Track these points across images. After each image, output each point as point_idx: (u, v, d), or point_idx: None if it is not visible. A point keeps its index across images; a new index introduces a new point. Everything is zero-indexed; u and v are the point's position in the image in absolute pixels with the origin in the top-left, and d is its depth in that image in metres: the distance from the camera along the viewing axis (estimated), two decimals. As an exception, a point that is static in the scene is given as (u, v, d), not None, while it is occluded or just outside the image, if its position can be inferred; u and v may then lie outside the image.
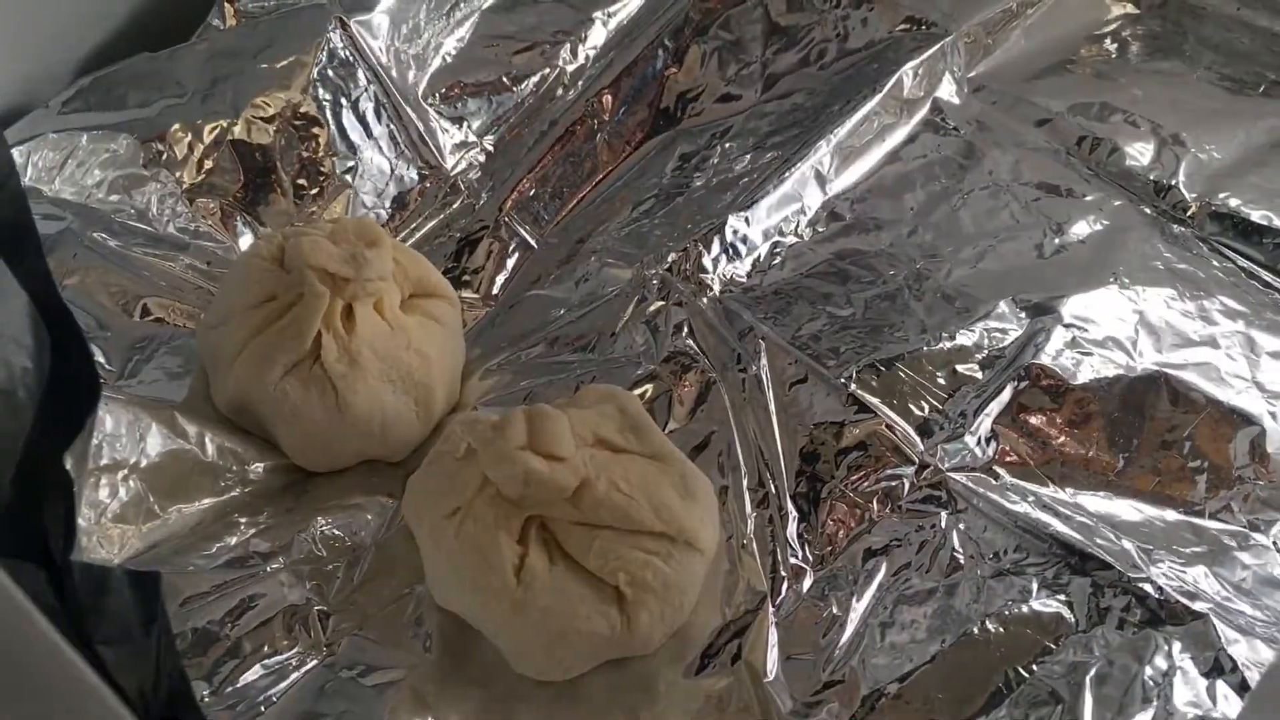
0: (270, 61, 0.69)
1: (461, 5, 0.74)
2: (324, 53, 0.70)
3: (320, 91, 0.69)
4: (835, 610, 0.52)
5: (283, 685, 0.49)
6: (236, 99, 0.68)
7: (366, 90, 0.70)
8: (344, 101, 0.70)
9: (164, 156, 0.66)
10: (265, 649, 0.49)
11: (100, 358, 0.57)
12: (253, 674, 0.49)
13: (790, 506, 0.55)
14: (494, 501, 0.48)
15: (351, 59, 0.70)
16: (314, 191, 0.68)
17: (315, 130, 0.69)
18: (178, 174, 0.66)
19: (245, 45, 0.70)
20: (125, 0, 0.71)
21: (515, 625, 0.48)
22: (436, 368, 0.58)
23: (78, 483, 0.48)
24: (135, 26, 0.72)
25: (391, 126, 0.71)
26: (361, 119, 0.70)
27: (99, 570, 0.33)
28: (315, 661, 0.50)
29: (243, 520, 0.55)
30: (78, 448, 0.49)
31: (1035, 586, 0.53)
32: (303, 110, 0.69)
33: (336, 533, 0.54)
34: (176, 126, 0.67)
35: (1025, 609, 0.52)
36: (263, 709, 0.48)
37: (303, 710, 0.48)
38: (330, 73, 0.70)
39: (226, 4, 0.71)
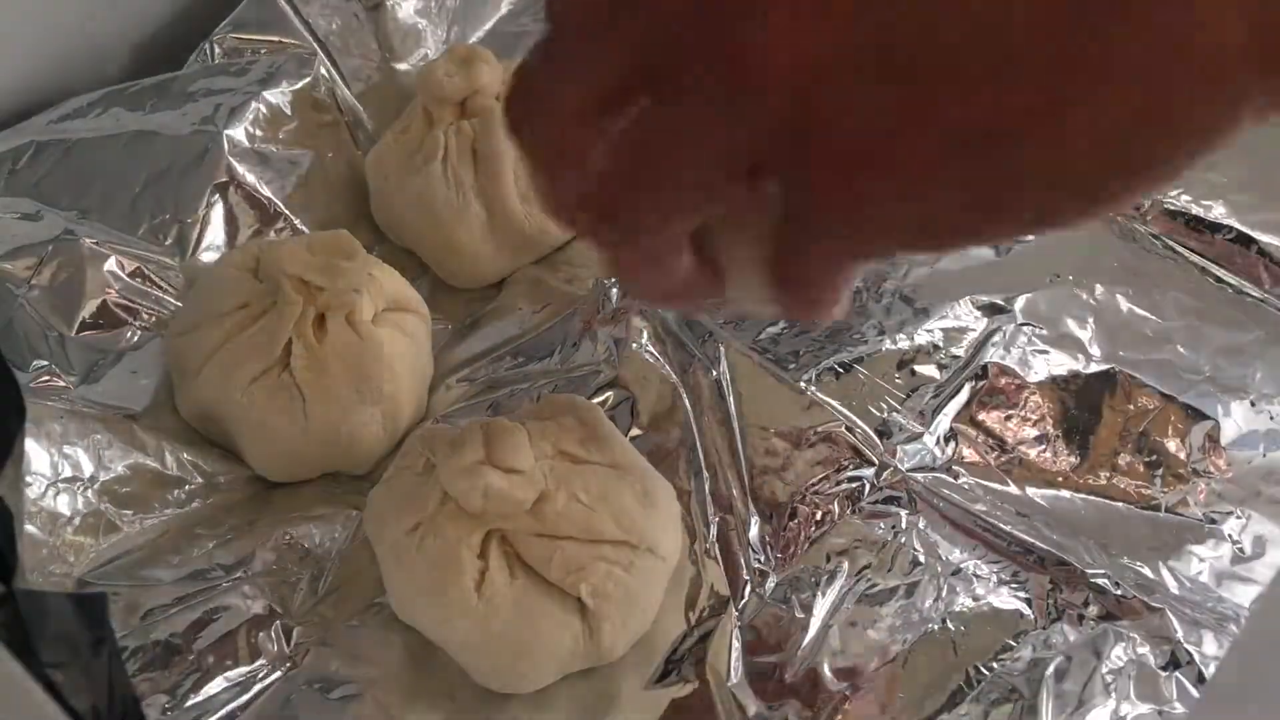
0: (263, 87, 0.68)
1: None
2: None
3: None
4: (798, 612, 0.52)
5: (245, 698, 0.49)
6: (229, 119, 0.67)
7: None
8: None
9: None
10: (228, 662, 0.49)
11: (61, 364, 0.57)
12: (215, 686, 0.49)
13: (752, 510, 0.56)
14: (454, 516, 0.48)
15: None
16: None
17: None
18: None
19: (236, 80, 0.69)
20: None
21: (478, 640, 0.48)
22: (405, 382, 0.58)
23: (15, 510, 0.47)
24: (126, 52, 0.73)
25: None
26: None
27: (41, 594, 0.33)
28: (279, 674, 0.50)
29: (204, 532, 0.55)
30: (8, 475, 0.48)
31: (994, 584, 0.53)
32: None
33: (300, 544, 0.54)
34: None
35: (985, 607, 0.52)
36: (225, 722, 0.48)
37: (266, 724, 0.48)
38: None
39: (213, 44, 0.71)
